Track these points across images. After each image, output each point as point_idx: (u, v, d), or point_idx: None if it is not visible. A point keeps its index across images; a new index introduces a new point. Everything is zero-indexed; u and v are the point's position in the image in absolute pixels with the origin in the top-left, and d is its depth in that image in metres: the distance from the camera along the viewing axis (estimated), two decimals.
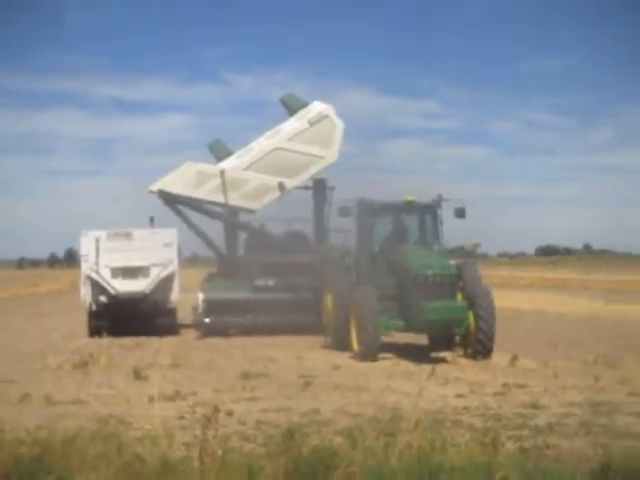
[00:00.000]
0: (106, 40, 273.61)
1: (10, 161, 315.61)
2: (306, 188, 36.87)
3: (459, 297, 27.11)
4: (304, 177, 37.19)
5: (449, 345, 27.52)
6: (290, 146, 36.80)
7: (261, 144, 37.15)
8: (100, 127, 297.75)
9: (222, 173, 36.21)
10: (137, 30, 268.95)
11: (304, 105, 37.66)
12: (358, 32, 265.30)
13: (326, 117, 37.17)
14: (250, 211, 37.45)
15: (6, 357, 26.95)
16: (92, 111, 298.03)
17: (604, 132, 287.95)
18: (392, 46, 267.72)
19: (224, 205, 36.71)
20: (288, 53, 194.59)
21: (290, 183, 36.78)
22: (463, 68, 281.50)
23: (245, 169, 36.71)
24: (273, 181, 36.48)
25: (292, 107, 37.78)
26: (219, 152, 37.62)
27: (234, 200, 36.50)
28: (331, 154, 37.24)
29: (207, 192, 36.46)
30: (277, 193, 36.75)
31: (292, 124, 37.31)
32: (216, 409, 12.81)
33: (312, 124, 36.97)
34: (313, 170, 37.18)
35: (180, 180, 36.53)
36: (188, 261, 38.32)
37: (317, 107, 37.48)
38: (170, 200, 36.61)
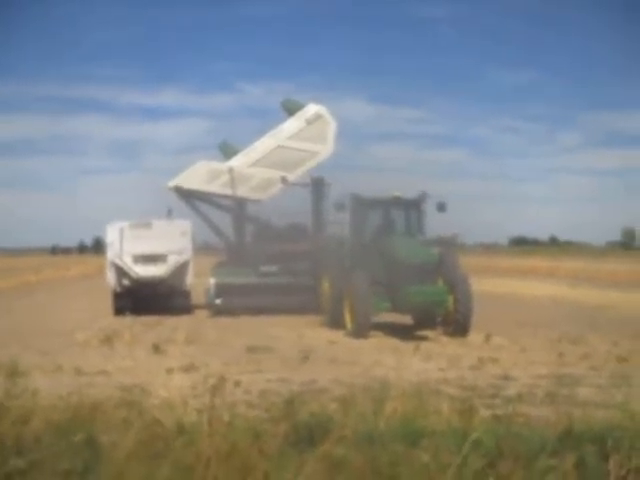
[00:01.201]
0: (132, 54, 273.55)
1: (46, 160, 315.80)
2: (305, 185, 36.84)
3: (440, 282, 27.11)
4: (303, 170, 37.45)
5: (431, 324, 27.51)
6: (290, 143, 37.12)
7: (264, 143, 37.40)
8: (125, 130, 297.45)
9: (231, 170, 36.45)
10: (160, 45, 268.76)
11: (301, 107, 37.95)
12: (352, 51, 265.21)
13: (320, 116, 37.47)
14: (257, 201, 37.59)
15: (41, 333, 26.96)
16: (119, 116, 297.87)
17: (569, 137, 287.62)
18: (382, 62, 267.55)
19: (233, 197, 36.84)
20: (292, 68, 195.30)
21: (291, 176, 37.00)
22: (445, 81, 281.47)
23: (251, 165, 36.94)
24: (276, 175, 36.73)
25: (291, 109, 38.06)
26: (227, 151, 37.84)
27: (242, 192, 36.77)
28: (326, 149, 37.57)
29: (218, 186, 36.71)
30: (280, 185, 36.94)
31: (291, 124, 37.60)
32: (222, 379, 12.83)
33: (309, 123, 37.30)
34: (311, 164, 37.51)
35: (194, 177, 36.77)
36: (201, 249, 38.27)
37: (312, 108, 37.79)
38: (185, 195, 36.83)
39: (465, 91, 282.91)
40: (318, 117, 37.55)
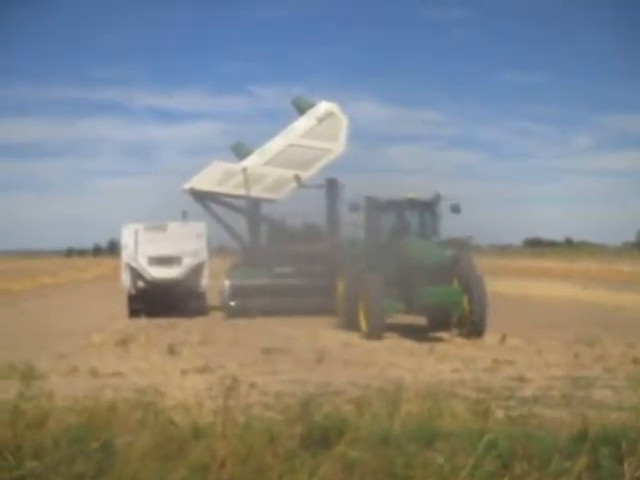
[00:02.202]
0: (146, 57, 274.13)
1: (61, 163, 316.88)
2: (320, 187, 36.90)
3: (455, 283, 27.12)
4: (317, 168, 37.60)
5: (446, 326, 27.45)
6: (302, 142, 37.24)
7: (277, 142, 37.51)
8: (139, 133, 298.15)
9: (244, 170, 36.58)
10: (173, 48, 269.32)
11: (312, 105, 38.03)
12: (365, 52, 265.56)
13: (332, 114, 37.61)
14: (271, 201, 37.70)
15: (57, 335, 27.04)
16: (133, 119, 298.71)
17: (581, 139, 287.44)
18: (396, 63, 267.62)
19: (247, 197, 36.96)
20: (303, 70, 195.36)
21: (305, 174, 37.10)
22: (459, 83, 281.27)
23: (264, 165, 37.07)
24: (289, 174, 36.85)
25: (302, 108, 38.14)
26: (240, 152, 37.95)
27: (256, 192, 36.91)
28: (339, 146, 37.73)
29: (232, 187, 36.86)
30: (294, 184, 37.02)
31: (303, 122, 37.75)
32: (235, 381, 12.88)
33: (320, 121, 37.43)
34: (324, 161, 37.66)
35: (208, 178, 36.90)
36: (216, 251, 38.34)
37: (323, 106, 37.94)
38: (200, 196, 36.94)
39: (478, 93, 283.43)
40: (330, 114, 37.65)
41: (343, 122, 37.78)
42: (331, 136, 37.46)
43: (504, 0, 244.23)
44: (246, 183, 36.46)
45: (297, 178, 36.81)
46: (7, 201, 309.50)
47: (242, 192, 36.76)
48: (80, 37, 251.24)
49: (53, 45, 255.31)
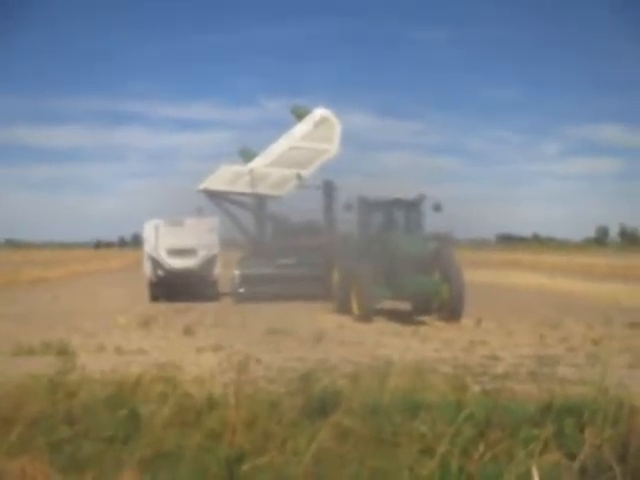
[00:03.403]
0: (166, 71, 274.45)
1: (92, 166, 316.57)
2: (318, 188, 36.96)
3: (436, 273, 27.12)
4: (315, 167, 37.78)
5: (428, 311, 27.47)
6: (301, 144, 37.39)
7: (279, 145, 37.70)
8: (161, 140, 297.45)
9: (251, 170, 36.68)
10: (190, 62, 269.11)
11: (309, 112, 38.10)
12: (360, 69, 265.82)
13: (327, 119, 37.78)
14: (276, 197, 37.76)
15: (86, 316, 27.01)
16: (155, 127, 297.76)
17: (549, 146, 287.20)
18: (387, 79, 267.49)
19: (254, 195, 37.05)
20: (307, 84, 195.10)
21: (305, 172, 37.19)
22: (443, 96, 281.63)
23: (268, 166, 37.09)
24: (291, 172, 36.93)
25: (300, 114, 38.25)
26: (247, 156, 38.04)
27: (262, 190, 36.96)
28: (334, 147, 37.98)
29: (241, 186, 36.99)
30: (295, 181, 37.08)
31: (301, 127, 37.85)
32: (246, 358, 12.85)
33: (316, 126, 37.57)
34: (321, 161, 37.93)
35: (220, 179, 37.03)
36: (227, 244, 38.32)
37: (319, 112, 38.10)
38: (213, 196, 37.03)
39: (460, 105, 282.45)
40: (324, 120, 37.79)
41: (337, 126, 37.93)
42: (326, 138, 37.61)
43: (481, 21, 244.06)
44: (253, 182, 36.55)
45: (298, 176, 36.94)
46: (45, 199, 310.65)
47: (249, 190, 36.84)
48: (110, 54, 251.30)
49: (87, 61, 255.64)
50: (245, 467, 8.38)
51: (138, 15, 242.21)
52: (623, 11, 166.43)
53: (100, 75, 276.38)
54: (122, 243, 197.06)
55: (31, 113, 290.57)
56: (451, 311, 26.37)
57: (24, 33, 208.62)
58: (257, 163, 37.23)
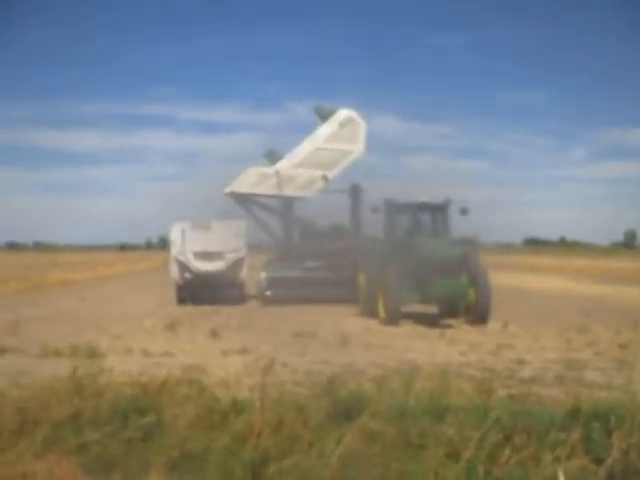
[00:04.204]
0: (191, 74, 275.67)
1: (114, 169, 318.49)
2: (344, 191, 36.96)
3: (463, 276, 27.04)
4: (340, 168, 37.53)
5: (454, 314, 27.36)
6: (327, 145, 37.19)
7: (304, 147, 37.47)
8: (185, 143, 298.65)
9: (277, 172, 36.59)
10: (215, 66, 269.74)
11: (333, 112, 37.97)
12: (386, 74, 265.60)
13: (351, 119, 37.58)
14: (302, 199, 37.74)
15: (113, 319, 27.11)
16: (179, 130, 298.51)
17: (576, 150, 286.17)
18: (414, 83, 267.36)
19: (281, 197, 37.06)
20: (334, 88, 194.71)
21: (330, 174, 37.13)
22: (469, 100, 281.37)
23: (294, 167, 37.01)
24: (317, 174, 36.83)
25: (324, 115, 38.10)
26: (273, 158, 37.91)
27: (288, 192, 36.89)
28: (359, 147, 37.70)
29: (267, 188, 36.88)
30: (322, 183, 37.05)
31: (326, 128, 37.64)
32: (272, 361, 12.86)
33: (341, 126, 37.39)
34: (347, 161, 37.62)
35: (246, 182, 36.94)
36: (254, 247, 38.37)
37: (343, 113, 37.88)
38: (240, 199, 37.02)
39: (486, 109, 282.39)
40: (349, 120, 37.64)
41: (362, 126, 37.79)
42: (352, 139, 37.49)
43: (503, 25, 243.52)
44: (279, 184, 36.54)
45: (324, 177, 36.89)
46: (68, 202, 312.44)
47: (276, 192, 36.85)
48: (134, 58, 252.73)
49: (111, 68, 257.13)
50: (270, 470, 8.41)
51: (160, 17, 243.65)
52: None
53: (123, 77, 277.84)
54: (149, 245, 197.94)
55: (53, 116, 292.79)
56: (478, 314, 26.30)
57: (42, 33, 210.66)
58: (283, 165, 37.22)
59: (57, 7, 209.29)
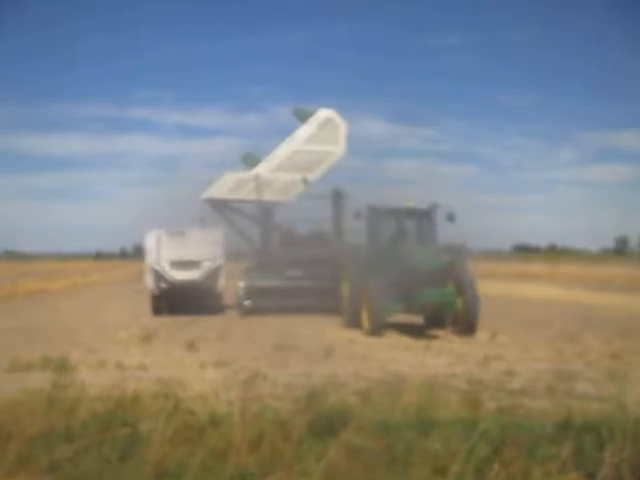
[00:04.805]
0: (173, 79, 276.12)
1: (94, 174, 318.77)
2: (326, 197, 36.90)
3: (449, 285, 27.07)
4: (321, 170, 37.74)
5: (441, 324, 27.42)
6: (306, 147, 37.35)
7: (283, 149, 37.57)
8: (166, 147, 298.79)
9: (256, 177, 36.58)
10: (197, 69, 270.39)
11: (312, 113, 38.02)
12: (371, 75, 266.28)
13: (331, 120, 37.71)
14: (281, 203, 37.80)
15: (86, 331, 27.03)
16: (160, 134, 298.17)
17: (567, 154, 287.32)
18: (400, 85, 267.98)
19: (260, 202, 36.99)
20: (316, 90, 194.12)
21: (311, 176, 37.26)
22: (456, 102, 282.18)
23: (273, 171, 37.07)
24: (297, 177, 36.88)
25: (303, 116, 38.15)
26: (250, 161, 37.91)
27: (268, 196, 36.92)
28: (340, 149, 37.95)
29: (246, 193, 36.86)
30: (302, 186, 37.08)
31: (305, 130, 37.78)
32: (253, 375, 12.84)
33: (321, 127, 37.60)
34: (328, 163, 37.85)
35: (223, 187, 36.96)
36: (232, 256, 38.32)
37: (323, 113, 38.04)
38: (217, 205, 37.00)
39: (474, 112, 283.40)
40: (329, 120, 37.76)
41: (342, 127, 37.90)
42: (332, 140, 37.59)
43: (495, 28, 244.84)
44: (258, 189, 36.51)
45: (305, 180, 36.93)
46: (44, 209, 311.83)
47: (255, 197, 36.80)
48: (116, 61, 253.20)
49: (92, 68, 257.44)
50: None
51: (142, 20, 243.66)
52: None
53: (103, 81, 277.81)
54: (123, 254, 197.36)
55: (29, 119, 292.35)
56: (465, 324, 26.33)
57: (22, 35, 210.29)
58: (261, 169, 37.19)
59: (39, 9, 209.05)
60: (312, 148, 37.33)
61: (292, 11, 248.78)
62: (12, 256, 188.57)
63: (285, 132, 38.49)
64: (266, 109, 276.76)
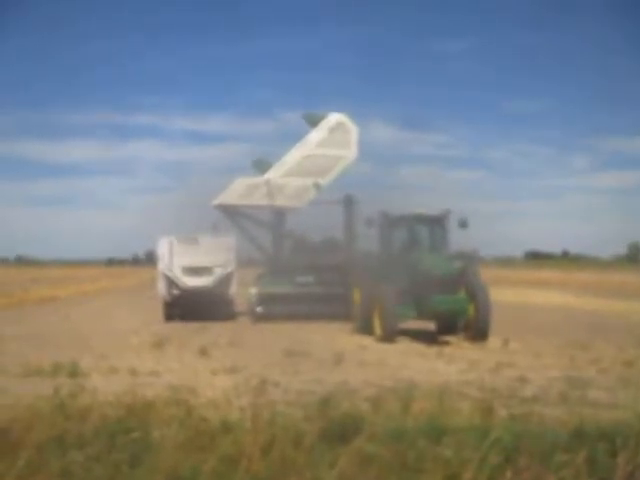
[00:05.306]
0: (180, 83, 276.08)
1: (104, 181, 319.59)
2: (338, 203, 36.84)
3: (462, 292, 27.02)
4: (333, 175, 37.66)
5: (453, 331, 27.38)
6: (317, 152, 37.23)
7: (294, 154, 37.46)
8: (174, 153, 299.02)
9: (267, 182, 36.56)
10: (204, 75, 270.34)
11: (322, 118, 37.92)
12: (381, 81, 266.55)
13: (342, 124, 37.66)
14: (293, 209, 37.77)
15: (99, 337, 27.06)
16: (167, 140, 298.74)
17: (578, 160, 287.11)
18: (411, 91, 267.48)
19: (272, 207, 37.02)
20: (325, 96, 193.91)
21: (323, 181, 37.20)
22: (467, 108, 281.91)
23: (284, 176, 36.97)
24: (309, 182, 36.81)
25: (313, 121, 38.04)
26: (262, 167, 37.82)
27: (279, 202, 36.89)
28: (351, 153, 37.84)
29: (257, 199, 36.83)
30: (314, 191, 37.04)
31: (316, 134, 37.69)
32: (263, 382, 12.82)
33: (332, 131, 37.51)
34: (339, 168, 37.73)
35: (235, 193, 36.88)
36: (244, 262, 38.32)
37: (334, 117, 37.92)
38: (229, 211, 36.95)
39: (485, 118, 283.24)
40: (340, 125, 37.69)
41: (353, 130, 37.82)
42: (343, 144, 37.51)
43: (507, 32, 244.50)
44: (269, 194, 36.49)
45: (316, 185, 36.88)
46: (56, 215, 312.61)
47: (266, 202, 36.78)
48: (122, 66, 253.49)
49: (98, 74, 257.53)
50: None
51: (148, 25, 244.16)
52: None
53: (109, 87, 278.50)
54: (135, 260, 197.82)
55: (35, 126, 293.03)
56: (477, 331, 26.28)
57: (28, 41, 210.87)
58: (272, 174, 37.15)
59: (43, 14, 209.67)
60: (323, 152, 37.26)
61: (300, 16, 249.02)
62: (23, 262, 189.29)
63: (294, 137, 38.45)
64: (274, 114, 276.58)
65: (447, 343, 25.93)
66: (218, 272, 34.76)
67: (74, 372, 17.94)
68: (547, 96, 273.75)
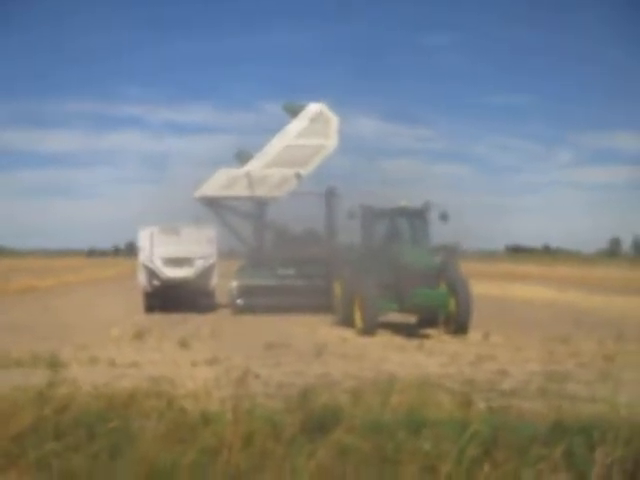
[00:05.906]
0: (163, 75, 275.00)
1: (86, 171, 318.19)
2: (319, 195, 36.86)
3: (442, 285, 27.09)
4: (314, 164, 37.61)
5: (433, 324, 27.43)
6: (298, 142, 37.26)
7: (274, 145, 37.50)
8: (156, 144, 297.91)
9: (248, 173, 36.59)
10: (186, 67, 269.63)
11: (302, 108, 37.95)
12: (365, 74, 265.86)
13: (322, 114, 37.59)
14: (275, 199, 37.84)
15: (78, 328, 27.02)
16: (150, 131, 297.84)
17: (561, 155, 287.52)
18: (393, 85, 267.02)
19: (253, 198, 37.12)
20: (308, 88, 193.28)
21: (304, 171, 37.20)
22: (450, 102, 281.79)
23: (265, 167, 37.03)
24: (290, 172, 36.85)
25: (293, 111, 38.08)
26: (243, 158, 37.87)
27: (261, 192, 36.94)
28: (332, 143, 37.80)
29: (239, 190, 36.85)
30: (295, 181, 37.07)
31: (296, 124, 37.73)
32: (245, 373, 12.84)
33: (312, 121, 37.46)
34: (320, 157, 37.69)
35: (216, 185, 36.90)
36: (225, 254, 38.29)
37: (313, 107, 37.91)
38: (210, 203, 36.95)
39: (468, 112, 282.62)
40: (320, 114, 37.67)
41: (333, 120, 37.80)
42: (323, 134, 37.50)
43: (492, 27, 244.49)
44: (251, 185, 36.52)
45: (297, 175, 36.91)
46: (36, 206, 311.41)
47: (248, 193, 36.83)
48: (107, 59, 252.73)
49: (82, 66, 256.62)
50: None
51: (132, 18, 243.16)
52: None
53: (92, 78, 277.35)
54: (116, 251, 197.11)
55: (18, 116, 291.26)
56: (458, 324, 26.34)
57: (12, 33, 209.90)
58: (254, 165, 37.19)
59: (27, 8, 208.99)
60: (303, 142, 37.28)
61: (283, 10, 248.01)
62: (2, 252, 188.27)
63: (276, 129, 38.44)
64: (256, 106, 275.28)
65: (428, 336, 25.98)
66: (199, 263, 34.70)
67: (54, 363, 17.89)
68: (531, 91, 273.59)
